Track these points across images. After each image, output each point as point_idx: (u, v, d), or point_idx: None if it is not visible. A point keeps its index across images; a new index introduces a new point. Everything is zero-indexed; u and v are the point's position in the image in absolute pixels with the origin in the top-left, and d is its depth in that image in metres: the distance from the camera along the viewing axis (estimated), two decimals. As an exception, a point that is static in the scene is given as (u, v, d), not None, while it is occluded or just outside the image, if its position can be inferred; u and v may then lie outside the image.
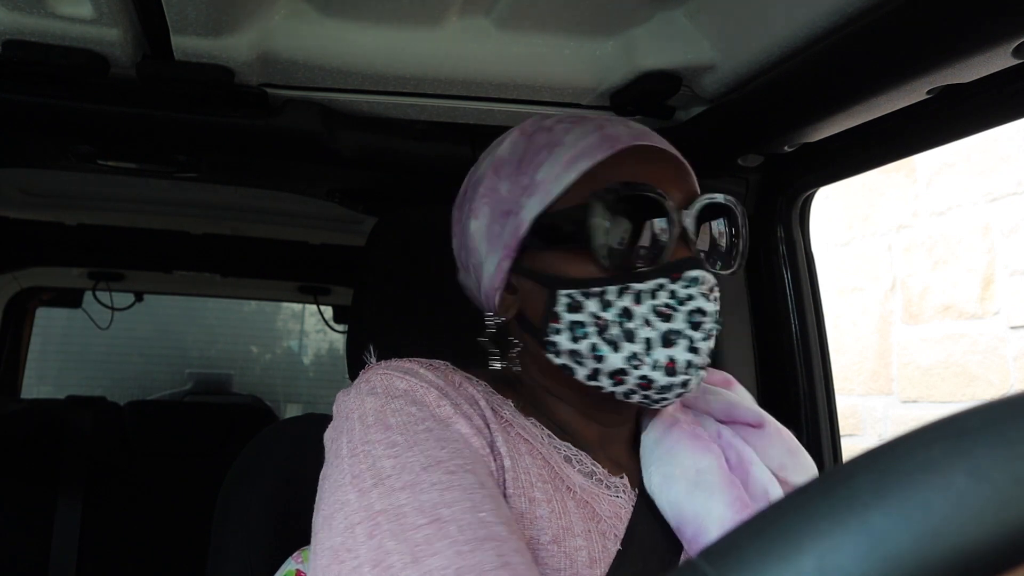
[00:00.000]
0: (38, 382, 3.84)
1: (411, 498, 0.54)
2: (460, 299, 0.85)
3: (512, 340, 0.75)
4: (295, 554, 0.81)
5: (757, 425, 0.77)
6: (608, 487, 0.71)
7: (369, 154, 1.15)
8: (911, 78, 0.79)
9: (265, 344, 4.37)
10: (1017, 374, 2.19)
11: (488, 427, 0.67)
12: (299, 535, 0.90)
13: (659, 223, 0.67)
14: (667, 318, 0.66)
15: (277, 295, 2.82)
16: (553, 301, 0.69)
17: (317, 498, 0.61)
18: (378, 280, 1.08)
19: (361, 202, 1.41)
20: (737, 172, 1.18)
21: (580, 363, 0.69)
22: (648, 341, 0.66)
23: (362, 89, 0.99)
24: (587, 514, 0.68)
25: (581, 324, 0.67)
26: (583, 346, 0.67)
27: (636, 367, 0.67)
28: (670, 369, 0.66)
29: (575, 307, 0.68)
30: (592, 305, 0.67)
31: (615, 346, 0.67)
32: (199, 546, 1.06)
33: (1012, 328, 2.22)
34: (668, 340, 0.66)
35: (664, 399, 0.68)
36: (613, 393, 0.69)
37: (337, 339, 4.04)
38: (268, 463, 0.94)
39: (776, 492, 0.73)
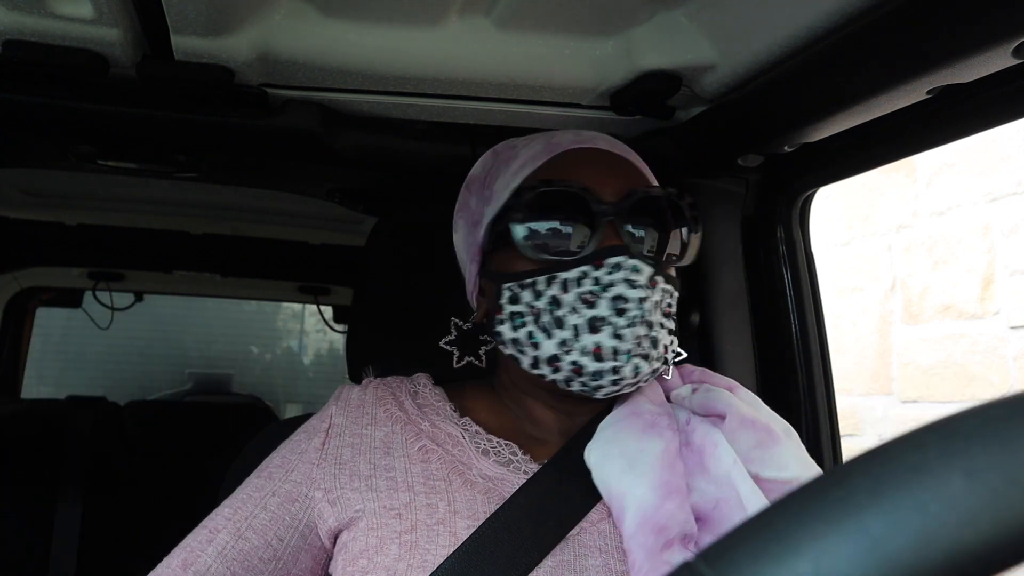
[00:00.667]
0: (38, 382, 3.84)
1: (244, 493, 0.81)
2: (459, 299, 0.85)
3: (482, 339, 0.84)
4: (295, 554, 0.81)
5: (721, 416, 0.78)
6: (526, 473, 0.76)
7: (369, 154, 1.15)
8: (911, 78, 0.79)
9: (265, 344, 4.37)
10: (1017, 374, 2.19)
11: (398, 438, 0.79)
12: (299, 535, 0.90)
13: (583, 216, 0.72)
14: (591, 305, 0.70)
15: (277, 295, 2.82)
16: (499, 295, 0.75)
17: None
18: (378, 280, 1.08)
19: (361, 202, 1.41)
20: (737, 172, 1.17)
21: (522, 352, 0.74)
22: (576, 328, 0.70)
23: (362, 89, 0.99)
24: (490, 499, 0.73)
25: (520, 314, 0.73)
26: (521, 334, 0.73)
27: (567, 353, 0.70)
28: (597, 355, 0.69)
29: (514, 299, 0.73)
30: (527, 295, 0.72)
31: (548, 333, 0.71)
32: (199, 546, 1.06)
33: (1012, 328, 2.22)
34: (593, 327, 0.69)
35: (600, 387, 0.71)
36: (555, 381, 0.73)
37: (337, 339, 4.04)
38: (268, 463, 0.94)
39: (740, 477, 0.73)
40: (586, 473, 0.74)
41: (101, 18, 0.81)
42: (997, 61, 0.73)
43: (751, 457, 0.75)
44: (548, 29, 0.91)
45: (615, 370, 0.69)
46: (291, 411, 4.07)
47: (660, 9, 0.88)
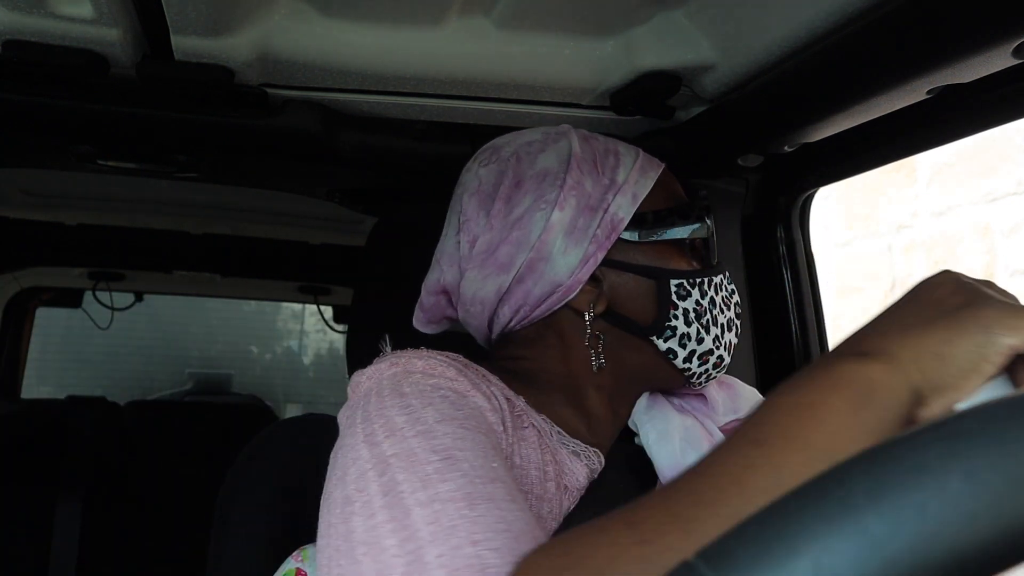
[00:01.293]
0: (38, 382, 3.84)
1: (423, 443, 0.55)
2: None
3: (594, 334, 0.75)
4: (295, 553, 0.81)
5: (698, 395, 0.82)
6: (592, 475, 0.74)
7: (369, 154, 1.15)
8: (911, 78, 0.79)
9: (265, 344, 4.37)
10: (1017, 374, 2.19)
11: (502, 412, 0.67)
12: (299, 534, 0.90)
13: (711, 227, 0.78)
14: (727, 307, 0.79)
15: (277, 295, 2.83)
16: (667, 290, 0.74)
17: (328, 469, 0.62)
18: (378, 280, 1.08)
19: (361, 202, 1.41)
20: (737, 172, 1.18)
21: (684, 346, 0.75)
22: (722, 326, 0.77)
23: (362, 89, 0.99)
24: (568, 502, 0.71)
25: (690, 311, 0.75)
26: (692, 329, 0.75)
27: (717, 348, 0.77)
28: (730, 351, 0.79)
29: (683, 295, 0.75)
30: (696, 293, 0.75)
31: (707, 330, 0.76)
32: (199, 546, 1.06)
33: (1012, 328, 2.21)
34: (731, 325, 0.79)
35: (712, 377, 0.79)
36: (694, 374, 0.77)
37: (337, 339, 4.04)
38: (268, 463, 0.94)
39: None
40: (637, 464, 0.76)
41: (101, 18, 0.81)
42: (997, 61, 0.73)
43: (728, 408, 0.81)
44: (548, 29, 0.91)
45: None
46: (291, 411, 4.07)
47: (660, 9, 0.88)
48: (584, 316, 0.74)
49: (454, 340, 0.82)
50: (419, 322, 0.85)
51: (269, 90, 0.99)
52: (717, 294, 0.77)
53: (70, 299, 2.87)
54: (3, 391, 2.65)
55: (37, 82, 0.94)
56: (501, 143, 0.80)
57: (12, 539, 2.00)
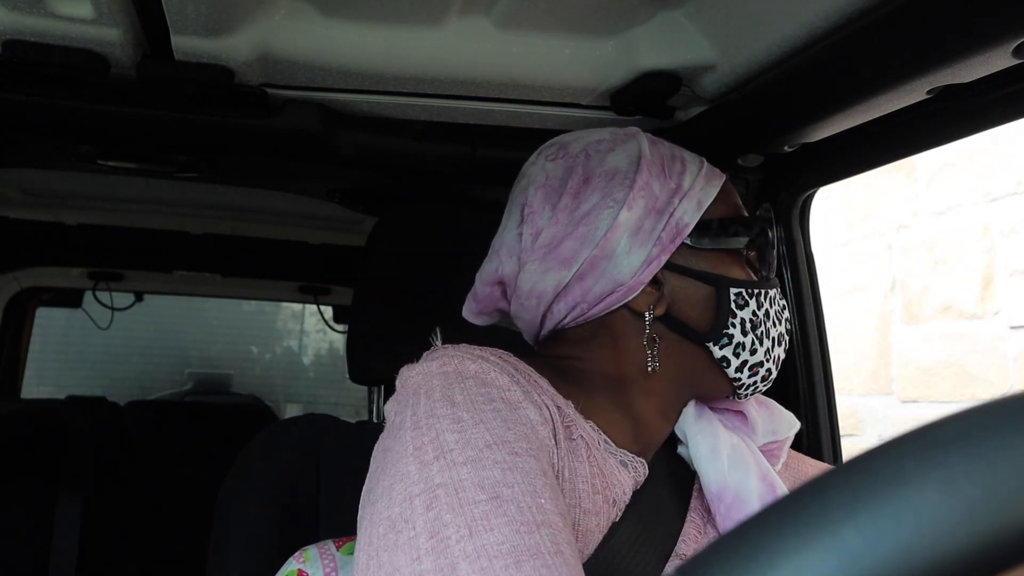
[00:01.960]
0: (38, 382, 3.84)
1: (472, 473, 0.54)
2: (461, 299, 0.85)
3: (651, 336, 0.75)
4: (296, 554, 0.81)
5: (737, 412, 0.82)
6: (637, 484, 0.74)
7: (369, 154, 1.16)
8: (911, 78, 0.79)
9: (265, 344, 4.37)
10: (1017, 374, 2.19)
11: (553, 422, 0.67)
12: (300, 535, 0.90)
13: (773, 240, 0.78)
14: (779, 321, 0.79)
15: (277, 295, 2.83)
16: (727, 298, 0.74)
17: (373, 468, 0.61)
18: (378, 280, 1.08)
19: (361, 202, 1.41)
20: (737, 172, 1.18)
21: (738, 355, 0.75)
22: (774, 340, 0.77)
23: (362, 89, 0.99)
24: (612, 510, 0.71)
25: (747, 321, 0.75)
26: (747, 340, 0.75)
27: (768, 361, 0.77)
28: (778, 365, 0.78)
29: (741, 305, 0.75)
30: (753, 304, 0.75)
31: (761, 342, 0.76)
32: (199, 546, 1.06)
33: (1012, 328, 2.22)
34: (781, 340, 0.79)
35: (760, 390, 0.79)
36: (743, 385, 0.76)
37: (337, 339, 4.04)
38: (268, 463, 0.94)
39: (770, 471, 0.77)
40: (678, 475, 0.76)
41: (101, 18, 0.81)
42: (997, 61, 0.73)
43: (775, 430, 0.81)
44: (548, 29, 0.91)
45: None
46: (291, 411, 4.07)
47: (660, 9, 0.88)
48: (643, 317, 0.73)
49: (453, 339, 0.82)
50: (469, 312, 0.84)
51: (269, 90, 0.99)
52: (772, 307, 0.78)
53: (70, 299, 2.87)
54: (3, 391, 2.65)
55: (37, 82, 0.94)
56: (568, 139, 0.79)
57: (12, 539, 2.00)
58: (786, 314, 0.81)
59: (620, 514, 0.70)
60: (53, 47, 0.85)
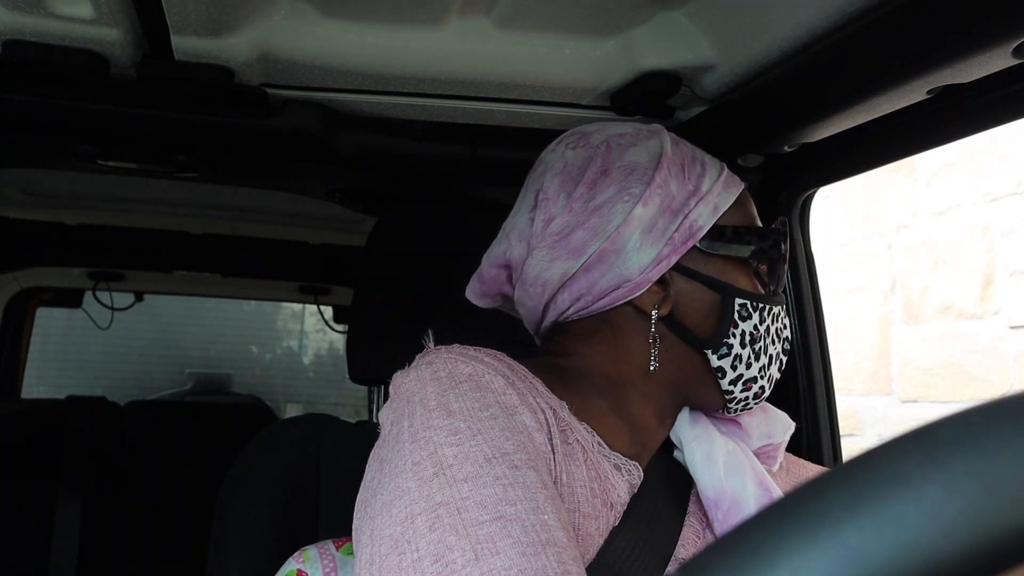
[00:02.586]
0: (38, 382, 3.84)
1: (473, 491, 0.54)
2: (460, 299, 0.84)
3: (654, 335, 0.74)
4: (296, 554, 0.81)
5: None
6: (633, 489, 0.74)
7: (369, 154, 1.16)
8: (911, 78, 0.79)
9: (265, 344, 4.37)
10: (1017, 374, 2.19)
11: (549, 426, 0.66)
12: (299, 535, 0.90)
13: (785, 254, 0.77)
14: (778, 340, 0.78)
15: (277, 295, 2.83)
16: (731, 307, 0.73)
17: (369, 478, 0.61)
18: (378, 280, 1.08)
19: (361, 202, 1.41)
20: (737, 172, 1.17)
21: (734, 368, 0.74)
22: (770, 358, 0.76)
23: (362, 89, 0.99)
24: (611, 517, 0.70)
25: (747, 333, 0.74)
26: (745, 352, 0.74)
27: (761, 378, 0.75)
28: (771, 384, 0.77)
29: (744, 316, 0.74)
30: (756, 318, 0.74)
31: (757, 357, 0.75)
32: (199, 546, 1.06)
33: (1012, 328, 2.22)
34: (776, 359, 0.78)
35: (750, 407, 0.78)
36: (735, 399, 0.76)
37: (337, 339, 4.04)
38: (268, 463, 0.94)
39: (766, 475, 0.76)
40: (675, 479, 0.75)
41: (101, 18, 0.81)
42: (997, 61, 0.73)
43: (771, 432, 0.80)
44: (548, 29, 0.91)
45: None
46: (291, 411, 4.07)
47: (660, 9, 0.88)
48: (647, 316, 0.73)
49: (453, 340, 0.82)
50: (473, 294, 0.83)
51: (269, 90, 0.99)
52: (773, 324, 0.76)
53: (70, 299, 2.87)
54: (3, 391, 2.65)
55: (37, 82, 0.94)
56: (591, 130, 0.78)
57: (12, 539, 2.00)
58: (787, 333, 0.80)
59: (618, 518, 0.69)
60: (53, 47, 0.85)
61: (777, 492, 0.75)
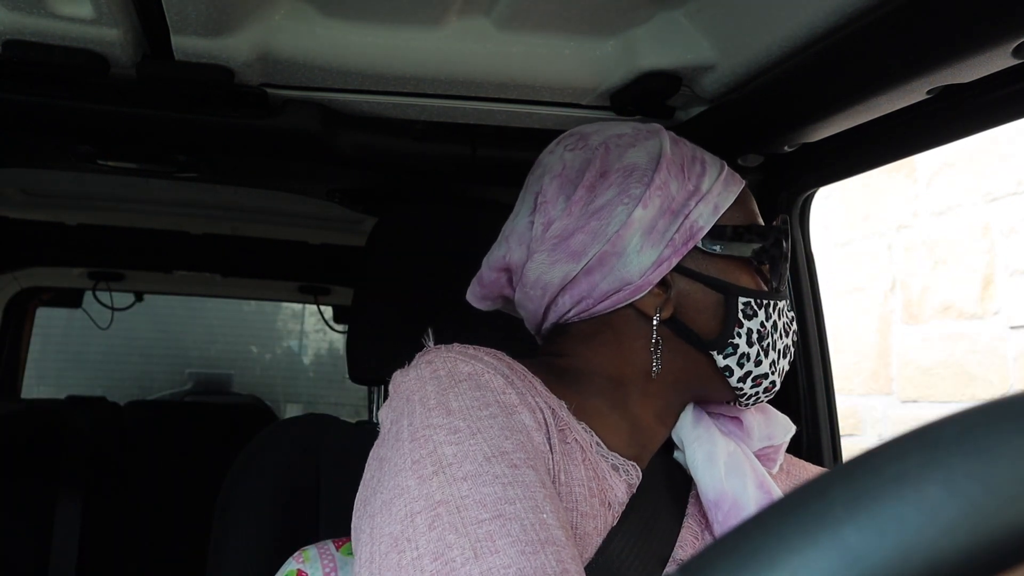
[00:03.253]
0: (38, 382, 3.84)
1: (473, 489, 0.54)
2: (461, 299, 0.84)
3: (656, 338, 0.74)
4: (296, 554, 0.81)
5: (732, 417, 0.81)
6: (631, 488, 0.73)
7: (369, 154, 1.16)
8: (911, 78, 0.79)
9: (265, 344, 4.37)
10: (1017, 374, 2.19)
11: (547, 426, 0.66)
12: (299, 535, 0.90)
13: (787, 251, 0.77)
14: (787, 333, 0.78)
15: (277, 295, 2.83)
16: (735, 307, 0.73)
17: (368, 476, 0.61)
18: (378, 280, 1.08)
19: (361, 202, 1.41)
20: (737, 172, 1.18)
21: (741, 366, 0.74)
22: (780, 352, 0.76)
23: (362, 89, 0.99)
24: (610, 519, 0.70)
25: (753, 331, 0.74)
26: (753, 351, 0.73)
27: (772, 373, 0.75)
28: (782, 377, 0.77)
29: (749, 315, 0.74)
30: (762, 315, 0.74)
31: (766, 353, 0.75)
32: (199, 546, 1.06)
33: (1012, 328, 2.22)
34: (786, 352, 0.78)
35: (762, 401, 0.78)
36: (745, 395, 0.76)
37: (337, 339, 4.04)
38: (268, 463, 0.94)
39: (767, 477, 0.76)
40: (675, 479, 0.75)
41: (101, 18, 0.81)
42: (997, 61, 0.73)
43: (772, 435, 0.80)
44: (548, 29, 0.91)
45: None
46: (291, 411, 4.06)
47: (660, 9, 0.89)
48: (650, 318, 0.72)
49: (453, 340, 0.82)
50: (473, 296, 0.83)
51: (269, 90, 0.99)
52: (780, 319, 0.76)
53: (70, 299, 2.87)
54: (3, 391, 2.65)
55: (37, 82, 0.94)
56: (589, 131, 0.78)
57: (12, 539, 2.00)
58: (794, 326, 0.80)
59: (617, 518, 0.69)
60: (53, 47, 0.85)
61: (778, 494, 0.75)
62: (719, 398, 0.77)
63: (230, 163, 1.26)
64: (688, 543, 0.73)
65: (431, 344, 0.72)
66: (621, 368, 0.74)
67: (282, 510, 0.92)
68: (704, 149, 0.79)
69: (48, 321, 3.43)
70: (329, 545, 0.81)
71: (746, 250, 0.74)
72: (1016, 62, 0.72)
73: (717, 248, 0.73)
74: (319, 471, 0.96)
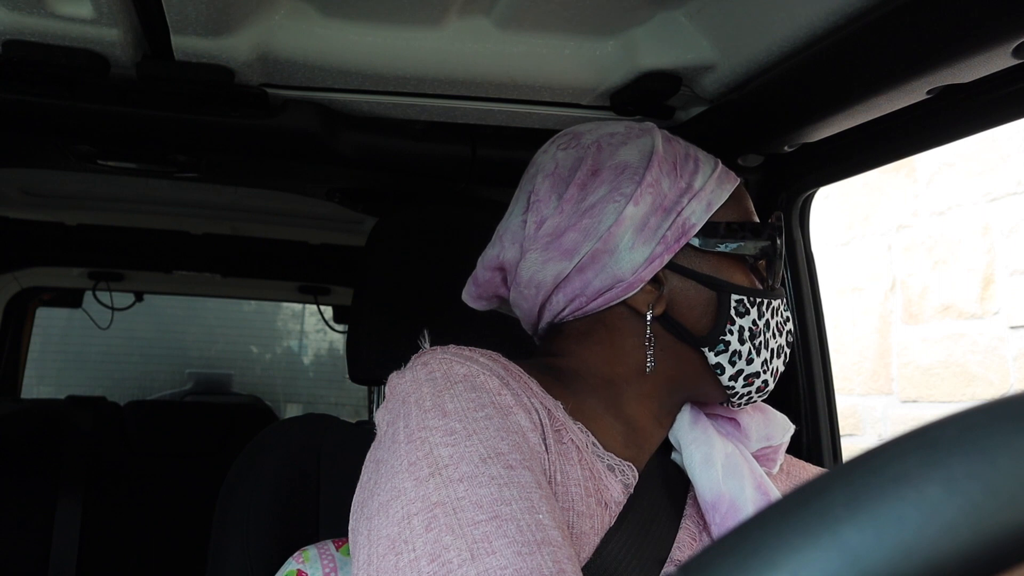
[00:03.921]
0: (38, 382, 3.84)
1: (469, 491, 0.54)
2: (460, 298, 0.84)
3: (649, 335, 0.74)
4: (296, 554, 0.81)
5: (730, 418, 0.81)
6: (628, 489, 0.73)
7: (369, 154, 1.16)
8: (911, 78, 0.79)
9: (265, 344, 4.37)
10: (1017, 374, 2.19)
11: (543, 426, 0.66)
12: (299, 535, 0.90)
13: (781, 249, 0.77)
14: (780, 333, 0.77)
15: (277, 295, 2.83)
16: (727, 304, 0.73)
17: (365, 478, 0.61)
18: (378, 280, 1.08)
19: (361, 202, 1.41)
20: (737, 172, 1.17)
21: (733, 364, 0.74)
22: (772, 351, 0.76)
23: (362, 89, 0.99)
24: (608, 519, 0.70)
25: (745, 329, 0.73)
26: (744, 348, 0.73)
27: (764, 372, 0.75)
28: (775, 377, 0.77)
29: (742, 312, 0.73)
30: (754, 313, 0.74)
31: (758, 352, 0.74)
32: (199, 546, 1.06)
33: (1012, 328, 2.22)
34: (780, 352, 0.77)
35: (755, 401, 0.78)
36: (737, 394, 0.75)
37: (337, 339, 4.04)
38: (268, 463, 0.94)
39: (765, 478, 0.76)
40: (672, 480, 0.75)
41: (101, 18, 0.81)
42: (997, 61, 0.73)
43: (771, 435, 0.80)
44: (548, 29, 0.91)
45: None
46: (291, 411, 4.07)
47: (660, 9, 0.89)
48: (643, 315, 0.72)
49: (453, 340, 0.82)
50: (469, 296, 0.83)
51: (269, 90, 0.99)
52: (773, 318, 0.76)
53: (70, 299, 2.87)
54: (3, 391, 2.65)
55: (37, 82, 0.94)
56: (582, 130, 0.78)
57: (12, 539, 2.00)
58: (789, 326, 0.79)
59: (613, 518, 0.69)
60: (53, 47, 0.85)
61: (776, 496, 0.75)
62: (712, 398, 0.77)
63: (230, 163, 1.26)
64: (686, 544, 0.73)
65: (427, 345, 0.72)
66: (615, 367, 0.74)
67: (282, 510, 0.92)
68: (702, 149, 0.79)
69: (48, 321, 3.43)
70: (329, 545, 0.81)
71: (740, 247, 0.74)
72: (1016, 62, 0.73)
73: (710, 245, 0.73)
74: (319, 471, 0.96)
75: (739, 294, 0.73)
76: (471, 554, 0.50)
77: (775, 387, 0.79)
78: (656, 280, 0.73)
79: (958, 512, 0.20)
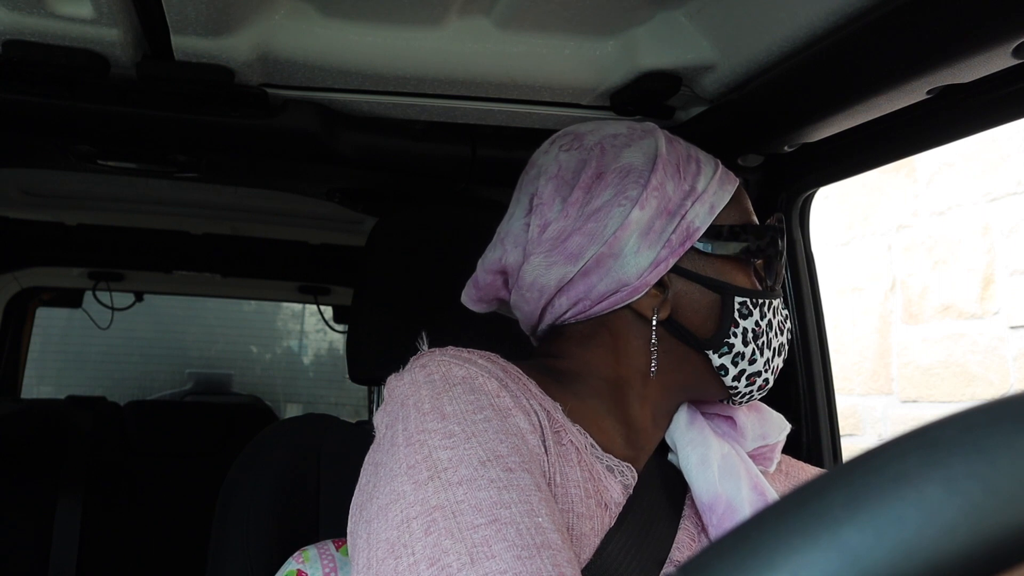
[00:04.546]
0: (38, 382, 3.84)
1: (468, 494, 0.54)
2: (460, 299, 0.84)
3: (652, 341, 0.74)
4: (296, 554, 0.81)
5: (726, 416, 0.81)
6: (627, 489, 0.73)
7: (369, 154, 1.16)
8: (911, 78, 0.79)
9: (265, 344, 4.37)
10: (1017, 374, 2.19)
11: (542, 428, 0.66)
12: (299, 535, 0.90)
13: (782, 250, 0.77)
14: (781, 331, 0.78)
15: (277, 295, 2.83)
16: (731, 306, 0.73)
17: (364, 481, 0.61)
18: (378, 280, 1.08)
19: (361, 202, 1.41)
20: (737, 172, 1.17)
21: (736, 364, 0.74)
22: (774, 350, 0.76)
23: (362, 89, 0.99)
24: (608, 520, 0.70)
25: (748, 330, 0.74)
26: (748, 349, 0.74)
27: (766, 371, 0.76)
28: (776, 375, 0.77)
29: (745, 314, 0.74)
30: (757, 314, 0.74)
31: (761, 352, 0.75)
32: (199, 546, 1.06)
33: (1012, 328, 2.22)
34: (781, 350, 0.78)
35: (756, 399, 0.78)
36: (739, 393, 0.76)
37: (337, 339, 4.04)
38: (268, 463, 0.94)
39: (761, 479, 0.76)
40: (671, 481, 0.75)
41: (101, 18, 0.81)
42: (997, 61, 0.73)
43: (766, 434, 0.80)
44: (548, 29, 0.91)
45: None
46: (291, 411, 4.07)
47: (660, 9, 0.89)
48: (647, 319, 0.72)
49: (453, 340, 0.82)
50: (468, 299, 0.82)
51: (269, 90, 0.99)
52: (775, 317, 0.77)
53: (70, 299, 2.87)
54: (3, 391, 2.65)
55: (37, 82, 0.94)
56: (584, 130, 0.78)
57: (12, 539, 2.00)
58: (788, 323, 0.80)
59: (613, 519, 0.69)
60: (53, 47, 0.85)
61: (773, 496, 0.75)
62: (714, 397, 0.77)
63: (230, 163, 1.26)
64: (685, 545, 0.73)
65: (425, 347, 0.71)
66: (618, 369, 0.74)
67: (282, 510, 0.92)
68: (702, 149, 0.79)
69: (48, 321, 3.43)
70: (329, 545, 0.81)
71: (742, 250, 0.74)
72: (1016, 62, 0.73)
73: (713, 248, 0.73)
74: (319, 471, 0.96)
75: (742, 296, 0.73)
76: (471, 558, 0.49)
77: (775, 387, 0.79)
78: (661, 284, 0.72)
79: (958, 512, 0.20)
